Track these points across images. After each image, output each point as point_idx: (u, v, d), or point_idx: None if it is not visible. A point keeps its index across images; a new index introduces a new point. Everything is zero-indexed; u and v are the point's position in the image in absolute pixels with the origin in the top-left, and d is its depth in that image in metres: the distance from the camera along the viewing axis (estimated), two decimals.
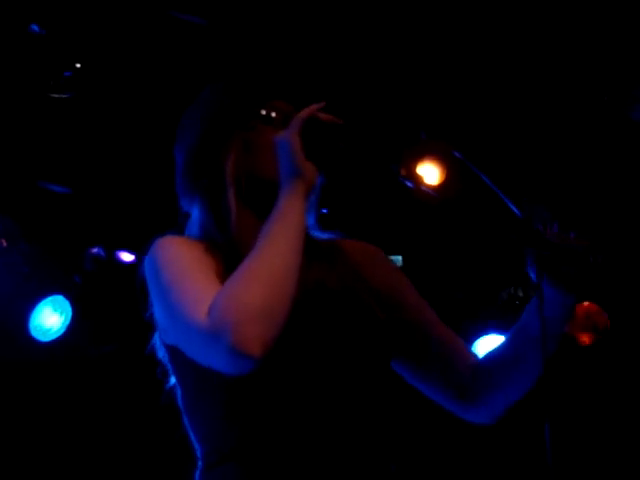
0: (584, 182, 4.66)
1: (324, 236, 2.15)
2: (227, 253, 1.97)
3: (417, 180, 2.10)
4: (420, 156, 4.40)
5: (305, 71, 4.09)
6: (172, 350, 1.97)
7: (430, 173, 4.39)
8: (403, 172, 2.02)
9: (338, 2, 4.04)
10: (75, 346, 4.86)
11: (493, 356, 2.14)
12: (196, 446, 1.98)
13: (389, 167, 2.02)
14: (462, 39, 4.15)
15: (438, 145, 4.39)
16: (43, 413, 5.09)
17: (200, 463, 1.96)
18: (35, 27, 3.87)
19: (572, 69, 4.24)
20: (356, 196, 4.29)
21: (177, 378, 2.02)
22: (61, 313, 4.74)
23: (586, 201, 4.61)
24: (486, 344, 4.75)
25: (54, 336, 4.73)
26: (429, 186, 3.70)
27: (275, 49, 4.12)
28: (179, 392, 2.02)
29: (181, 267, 1.90)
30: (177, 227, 2.13)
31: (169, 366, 2.03)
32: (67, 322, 4.74)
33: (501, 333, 4.68)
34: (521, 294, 4.91)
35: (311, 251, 1.97)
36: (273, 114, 2.07)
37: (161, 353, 2.05)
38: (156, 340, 2.06)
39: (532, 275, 1.99)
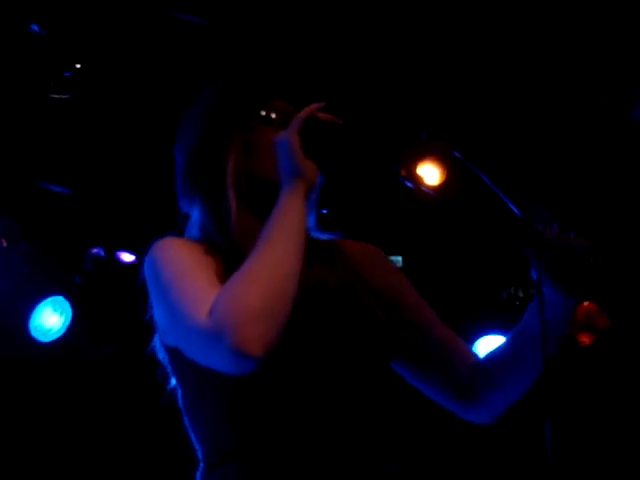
0: (584, 182, 4.66)
1: (324, 236, 2.15)
2: (227, 254, 1.97)
3: (417, 180, 2.10)
4: (420, 156, 4.40)
5: (305, 71, 4.09)
6: (172, 351, 1.97)
7: (430, 173, 4.39)
8: (403, 172, 2.02)
9: (338, 2, 4.04)
10: (75, 346, 4.86)
11: (493, 356, 2.14)
12: (197, 447, 1.98)
13: (389, 167, 2.02)
14: (462, 39, 4.15)
15: (438, 145, 4.39)
16: (43, 413, 5.09)
17: (201, 464, 1.96)
18: (35, 27, 3.87)
19: (572, 69, 4.24)
20: (356, 196, 4.29)
21: (177, 379, 2.02)
22: (61, 313, 4.74)
23: (586, 201, 4.61)
24: (486, 344, 4.75)
25: (54, 336, 4.73)
26: (429, 186, 3.70)
27: (275, 49, 4.12)
28: (179, 393, 2.02)
29: (181, 268, 1.90)
30: (177, 228, 2.12)
31: (169, 368, 2.03)
32: (67, 322, 4.74)
33: (501, 333, 4.68)
34: (521, 294, 4.92)
35: (311, 251, 1.97)
36: (273, 115, 2.07)
37: (161, 355, 2.05)
38: (156, 342, 2.06)
39: (534, 276, 1.99)
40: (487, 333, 4.83)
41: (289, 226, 1.87)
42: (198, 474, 1.97)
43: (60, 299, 4.74)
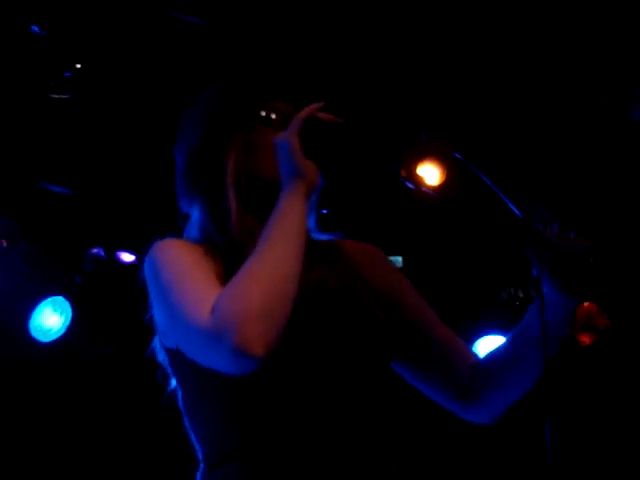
0: (584, 182, 4.66)
1: (324, 237, 2.15)
2: (227, 255, 1.97)
3: (417, 181, 2.10)
4: (420, 157, 4.40)
5: (305, 72, 4.09)
6: (172, 352, 1.97)
7: (430, 174, 4.39)
8: (403, 173, 2.02)
9: (338, 2, 4.04)
10: (75, 347, 4.86)
11: (494, 356, 2.14)
12: (197, 447, 1.98)
13: (389, 167, 2.02)
14: (462, 39, 4.15)
15: (438, 146, 4.39)
16: (43, 413, 5.09)
17: (201, 464, 1.96)
18: (35, 28, 3.87)
19: (572, 69, 4.24)
20: (356, 196, 4.29)
21: (177, 380, 2.02)
22: (61, 313, 4.75)
23: (586, 201, 4.61)
24: (486, 344, 4.75)
25: (54, 336, 4.74)
26: (429, 187, 3.70)
27: (275, 50, 4.12)
28: (179, 394, 2.02)
29: (181, 268, 1.90)
30: (176, 229, 2.12)
31: (169, 369, 2.03)
32: (67, 323, 4.75)
33: (501, 333, 4.68)
34: (521, 294, 4.92)
35: (312, 251, 1.96)
36: (273, 115, 2.08)
37: (161, 356, 2.05)
38: (156, 343, 2.06)
39: (534, 276, 1.99)
40: (487, 333, 4.83)
41: (289, 227, 1.87)
42: (198, 474, 1.97)
43: (60, 299, 4.74)
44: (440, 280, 4.93)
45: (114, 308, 4.81)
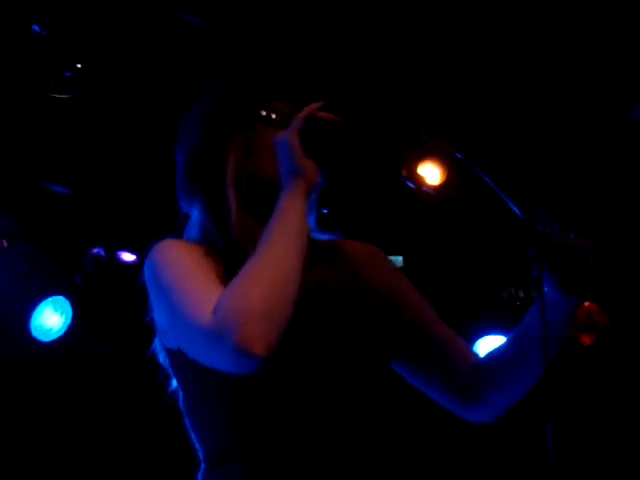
0: (584, 182, 4.66)
1: (324, 236, 2.15)
2: (227, 255, 1.97)
3: (418, 180, 2.10)
4: (421, 156, 4.40)
5: (305, 72, 4.09)
6: (173, 353, 1.97)
7: (431, 173, 4.39)
8: (404, 172, 2.02)
9: (338, 2, 4.05)
10: (75, 346, 4.86)
11: (494, 356, 2.14)
12: (198, 447, 1.98)
13: (390, 166, 2.02)
14: (462, 39, 4.15)
15: (439, 145, 4.39)
16: (44, 413, 5.09)
17: (202, 464, 1.96)
18: (36, 27, 3.87)
19: (572, 69, 4.24)
20: (357, 196, 4.29)
21: (178, 380, 2.02)
22: (62, 313, 4.75)
23: (586, 201, 4.61)
24: (487, 344, 4.75)
25: (55, 336, 4.74)
26: (430, 186, 3.71)
27: (275, 50, 4.12)
28: (180, 394, 2.02)
29: (181, 269, 1.90)
30: (176, 230, 2.12)
31: (170, 369, 2.03)
32: (67, 322, 4.75)
33: (502, 333, 4.68)
34: (522, 294, 4.92)
35: (312, 251, 1.96)
36: (273, 115, 2.08)
37: (162, 357, 2.05)
38: (156, 344, 2.06)
39: (544, 278, 1.99)
40: (488, 333, 4.83)
41: (290, 226, 1.87)
42: (199, 475, 1.97)
43: (61, 299, 4.74)
44: (441, 280, 4.93)
45: (114, 308, 4.81)
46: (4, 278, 4.60)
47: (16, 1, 3.88)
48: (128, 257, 4.87)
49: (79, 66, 4.00)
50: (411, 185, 2.04)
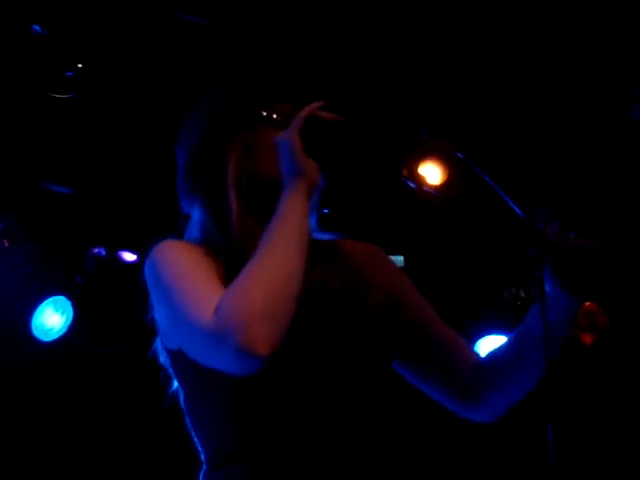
0: (584, 182, 4.66)
1: (325, 236, 2.14)
2: (227, 255, 1.97)
3: (419, 180, 2.10)
4: (422, 156, 4.40)
5: (306, 72, 4.09)
6: (174, 354, 1.97)
7: (432, 173, 4.39)
8: (405, 172, 2.02)
9: (339, 2, 4.05)
10: (76, 346, 4.86)
11: (495, 356, 2.14)
12: (199, 448, 1.98)
13: (391, 166, 2.02)
14: (463, 39, 4.15)
15: (440, 145, 4.39)
16: (44, 413, 5.09)
17: (204, 464, 1.96)
18: (37, 27, 3.87)
19: (572, 69, 4.24)
20: (358, 196, 4.29)
21: (180, 381, 2.02)
22: (62, 313, 4.75)
23: (586, 201, 4.61)
24: (488, 344, 4.76)
25: (55, 336, 4.74)
26: (431, 186, 3.70)
27: (276, 50, 4.12)
28: (181, 394, 2.02)
29: (182, 269, 1.90)
30: (177, 231, 2.12)
31: (171, 370, 2.03)
32: (68, 322, 4.75)
33: (503, 333, 4.68)
34: (523, 294, 4.92)
35: (313, 251, 1.96)
36: (274, 115, 2.07)
37: (162, 358, 2.05)
38: (157, 345, 2.06)
39: (545, 278, 1.99)
40: (489, 333, 4.83)
41: (292, 226, 1.87)
42: (200, 475, 1.97)
43: (62, 299, 4.74)
44: (442, 279, 4.93)
45: (115, 308, 4.81)
46: (5, 278, 4.61)
47: (17, 1, 3.88)
48: (129, 257, 4.87)
49: (80, 66, 4.00)
50: (412, 185, 2.04)
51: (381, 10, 4.04)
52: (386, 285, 2.13)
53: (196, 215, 2.08)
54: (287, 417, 1.88)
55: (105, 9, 3.93)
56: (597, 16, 3.99)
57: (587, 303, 4.81)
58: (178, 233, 2.11)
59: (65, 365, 4.98)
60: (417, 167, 4.36)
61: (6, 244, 4.59)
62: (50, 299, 4.73)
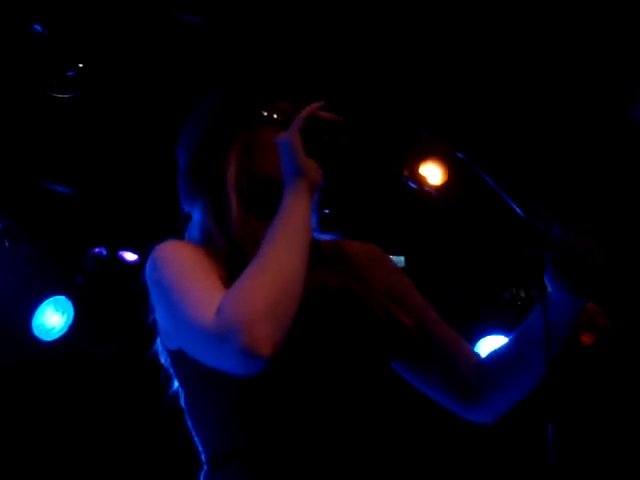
0: (584, 182, 4.66)
1: (325, 237, 2.14)
2: (228, 256, 1.97)
3: (420, 180, 2.10)
4: (423, 156, 4.40)
5: (307, 72, 4.10)
6: (175, 354, 1.97)
7: (433, 173, 4.39)
8: (406, 172, 2.02)
9: (339, 2, 4.05)
10: (77, 346, 4.87)
11: (496, 356, 2.14)
12: (200, 448, 1.98)
13: (391, 166, 2.02)
14: (463, 40, 4.15)
15: (441, 145, 4.39)
16: (45, 412, 5.09)
17: (205, 465, 1.96)
18: (38, 27, 3.87)
19: (572, 69, 4.24)
20: (358, 196, 4.29)
21: (180, 381, 2.02)
22: (63, 313, 4.75)
23: (586, 201, 4.61)
24: (488, 344, 4.76)
25: (56, 336, 4.74)
26: (432, 186, 3.71)
27: (276, 50, 4.12)
28: (182, 395, 2.02)
29: (183, 269, 1.90)
30: (178, 231, 2.12)
31: (171, 370, 2.03)
32: (69, 322, 4.75)
33: (503, 333, 4.68)
34: (523, 294, 4.92)
35: (313, 252, 1.96)
36: (275, 115, 2.07)
37: (163, 358, 2.05)
38: (158, 345, 2.06)
39: (546, 279, 1.99)
40: (489, 333, 4.83)
41: (294, 227, 1.87)
42: (201, 476, 1.97)
43: (62, 299, 4.75)
44: (442, 280, 4.93)
45: (116, 308, 4.81)
46: (6, 278, 4.61)
47: (18, 1, 3.88)
48: (130, 257, 4.87)
49: (81, 66, 4.00)
50: (413, 185, 2.04)
51: (382, 10, 4.04)
52: (386, 285, 2.13)
53: (197, 215, 2.08)
54: (288, 417, 1.88)
55: (105, 9, 3.93)
56: (597, 16, 3.99)
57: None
58: (179, 233, 2.11)
59: (66, 365, 4.98)
60: (418, 167, 4.35)
61: (7, 244, 4.59)
62: (51, 299, 4.73)
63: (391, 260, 2.29)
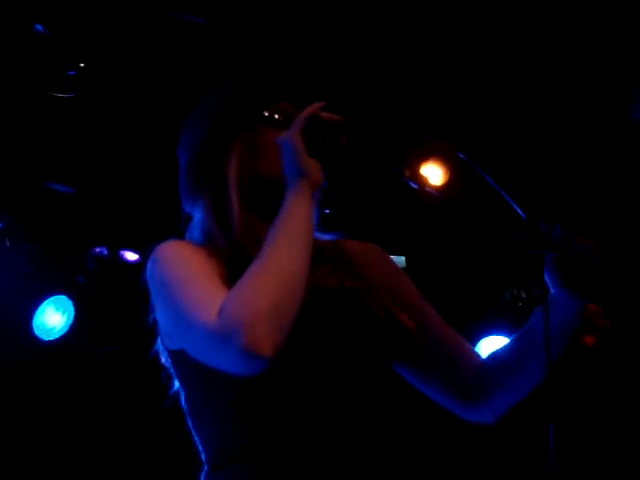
0: (584, 182, 4.66)
1: (326, 237, 2.14)
2: (229, 256, 1.97)
3: (421, 181, 2.10)
4: (424, 157, 4.40)
5: (308, 72, 4.10)
6: (176, 354, 1.97)
7: (434, 174, 4.39)
8: (407, 173, 2.02)
9: (340, 2, 4.05)
10: (77, 346, 4.87)
11: (497, 356, 2.14)
12: (201, 448, 1.97)
13: (392, 167, 2.02)
14: (464, 40, 4.16)
15: (442, 146, 4.39)
16: (45, 412, 5.09)
17: (205, 465, 1.96)
18: (39, 27, 3.87)
19: (573, 69, 4.24)
20: (359, 196, 4.29)
21: (181, 381, 2.02)
22: (64, 312, 4.75)
23: (586, 201, 4.61)
24: (489, 345, 4.76)
25: (57, 335, 4.74)
26: (433, 187, 3.71)
27: (277, 50, 4.12)
28: (183, 395, 2.02)
29: (184, 270, 1.90)
30: (178, 232, 2.12)
31: (172, 370, 2.03)
32: (70, 322, 4.75)
33: (504, 334, 4.68)
34: (524, 295, 4.92)
35: (314, 251, 1.96)
36: (276, 115, 2.07)
37: (164, 358, 2.05)
38: (159, 345, 2.06)
39: (548, 279, 1.99)
40: (490, 334, 4.83)
41: (295, 227, 1.87)
42: (202, 476, 1.97)
43: (63, 298, 4.75)
44: (443, 280, 4.93)
45: (117, 307, 4.81)
46: (6, 277, 4.61)
47: (19, 1, 3.88)
48: (131, 256, 4.87)
49: (82, 65, 4.01)
50: (414, 185, 2.04)
51: (382, 10, 4.04)
52: (387, 285, 2.13)
53: (198, 215, 2.08)
54: (288, 418, 1.88)
55: (106, 9, 3.93)
56: (597, 16, 3.99)
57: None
58: (180, 233, 2.11)
59: (66, 365, 4.98)
60: (419, 168, 4.36)
61: (7, 244, 4.59)
62: (51, 298, 4.73)
63: (392, 260, 2.28)
